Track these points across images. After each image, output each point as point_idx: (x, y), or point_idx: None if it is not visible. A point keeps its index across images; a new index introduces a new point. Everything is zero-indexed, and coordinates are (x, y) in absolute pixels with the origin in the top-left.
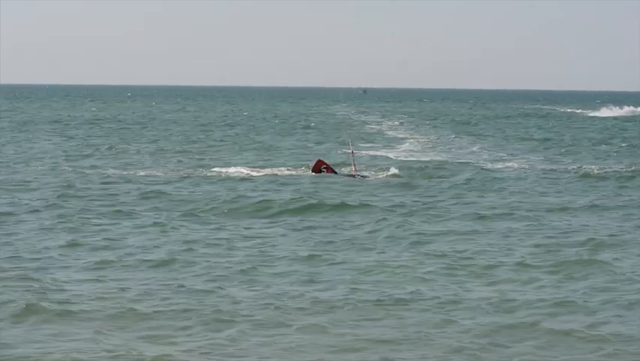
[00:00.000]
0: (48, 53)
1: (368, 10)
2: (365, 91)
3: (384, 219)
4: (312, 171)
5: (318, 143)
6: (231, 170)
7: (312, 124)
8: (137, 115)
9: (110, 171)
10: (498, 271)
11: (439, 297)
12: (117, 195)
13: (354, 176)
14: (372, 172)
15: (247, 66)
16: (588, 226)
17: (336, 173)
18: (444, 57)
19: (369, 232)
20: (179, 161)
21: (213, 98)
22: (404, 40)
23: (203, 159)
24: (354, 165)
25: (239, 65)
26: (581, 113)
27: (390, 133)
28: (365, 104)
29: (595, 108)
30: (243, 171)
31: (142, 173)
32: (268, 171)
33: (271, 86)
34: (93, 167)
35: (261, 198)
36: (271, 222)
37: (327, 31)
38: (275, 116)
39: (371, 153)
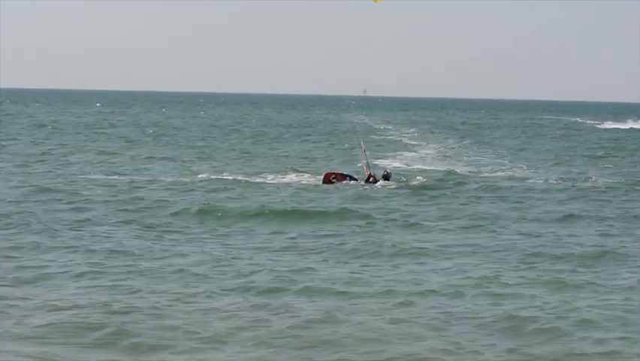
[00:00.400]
0: (48, 54)
1: (368, 10)
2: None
3: (374, 224)
4: (323, 183)
5: (327, 150)
6: (230, 175)
7: (321, 130)
8: (144, 121)
9: (105, 177)
10: (475, 283)
11: (415, 309)
12: (111, 197)
13: (368, 177)
14: (381, 180)
15: (247, 67)
16: (577, 236)
17: (348, 176)
18: (444, 57)
19: (357, 240)
20: (180, 165)
21: (220, 105)
22: (404, 40)
23: (206, 163)
24: (368, 167)
25: (239, 65)
26: (590, 124)
27: (401, 141)
28: (375, 112)
29: (605, 119)
30: (241, 177)
31: (136, 178)
32: (269, 176)
33: (276, 94)
34: (86, 172)
35: (257, 204)
36: (259, 229)
37: (327, 32)
38: (281, 124)
39: (380, 161)
